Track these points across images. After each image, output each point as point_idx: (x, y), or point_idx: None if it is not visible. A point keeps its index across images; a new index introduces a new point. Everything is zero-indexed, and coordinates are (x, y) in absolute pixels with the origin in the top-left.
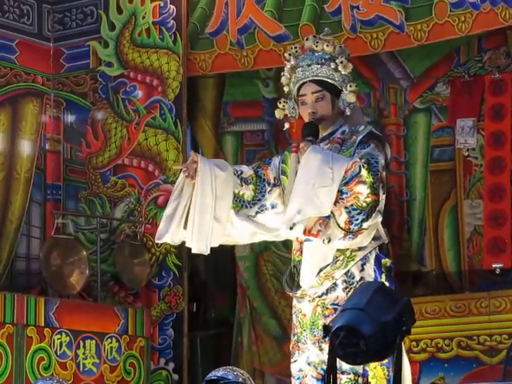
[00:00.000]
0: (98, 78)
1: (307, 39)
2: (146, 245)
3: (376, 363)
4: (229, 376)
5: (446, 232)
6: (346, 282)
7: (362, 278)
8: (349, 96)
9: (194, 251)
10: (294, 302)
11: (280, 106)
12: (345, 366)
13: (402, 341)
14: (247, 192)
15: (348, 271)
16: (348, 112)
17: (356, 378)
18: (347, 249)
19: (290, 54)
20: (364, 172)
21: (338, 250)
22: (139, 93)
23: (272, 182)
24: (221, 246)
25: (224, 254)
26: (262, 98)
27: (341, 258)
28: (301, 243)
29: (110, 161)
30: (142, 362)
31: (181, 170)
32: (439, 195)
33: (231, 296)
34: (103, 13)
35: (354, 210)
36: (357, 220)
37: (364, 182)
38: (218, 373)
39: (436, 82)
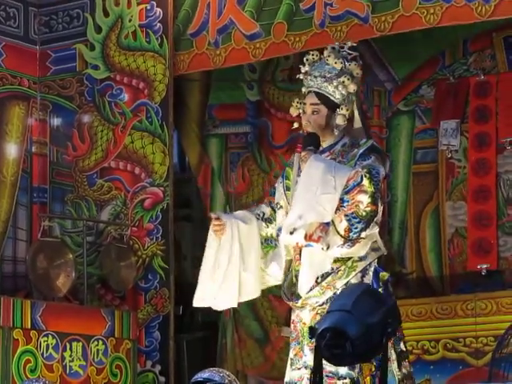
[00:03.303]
0: (85, 81)
1: (326, 48)
2: (133, 248)
3: (368, 372)
4: (215, 377)
5: (427, 234)
6: None
7: None
8: (339, 117)
9: (219, 309)
10: (296, 311)
11: (294, 104)
12: (341, 370)
13: (387, 342)
14: (273, 230)
15: (348, 281)
16: (336, 132)
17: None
18: (349, 259)
19: (306, 59)
20: (366, 182)
21: (339, 260)
22: (125, 96)
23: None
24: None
25: None
26: (246, 101)
27: (342, 268)
28: (300, 251)
29: (97, 164)
30: (129, 365)
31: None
32: (421, 197)
33: None
34: (89, 16)
35: (354, 218)
36: (356, 228)
37: (365, 192)
38: (204, 374)
39: (420, 85)
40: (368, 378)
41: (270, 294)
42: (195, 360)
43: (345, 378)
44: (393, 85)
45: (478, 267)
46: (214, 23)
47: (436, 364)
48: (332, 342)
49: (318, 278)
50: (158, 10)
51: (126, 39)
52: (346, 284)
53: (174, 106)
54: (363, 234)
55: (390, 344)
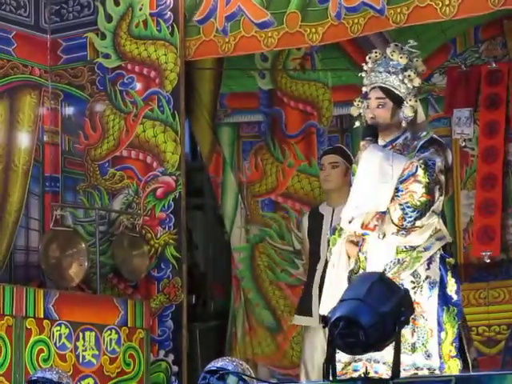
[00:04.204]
0: (96, 70)
1: (389, 46)
2: (145, 237)
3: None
4: (229, 366)
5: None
6: (412, 282)
7: (427, 277)
8: (407, 109)
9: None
10: None
11: (355, 103)
12: (419, 362)
13: (400, 331)
14: None
15: (414, 272)
16: (404, 124)
17: None
18: (413, 250)
19: (369, 57)
20: (420, 172)
21: (403, 251)
22: (137, 85)
23: None
24: (219, 238)
25: (223, 246)
26: (259, 90)
27: (407, 259)
28: (362, 240)
29: (108, 153)
30: (142, 354)
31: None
32: None
33: (229, 288)
34: (100, 4)
35: (408, 207)
36: (410, 217)
37: (419, 182)
38: (218, 363)
39: (432, 73)
40: (451, 360)
41: (281, 282)
42: (208, 349)
43: (422, 369)
44: None
45: (482, 254)
46: (222, 10)
47: None
48: (345, 331)
49: (384, 269)
50: None
51: (136, 28)
52: (411, 274)
53: (186, 94)
54: (418, 223)
55: None
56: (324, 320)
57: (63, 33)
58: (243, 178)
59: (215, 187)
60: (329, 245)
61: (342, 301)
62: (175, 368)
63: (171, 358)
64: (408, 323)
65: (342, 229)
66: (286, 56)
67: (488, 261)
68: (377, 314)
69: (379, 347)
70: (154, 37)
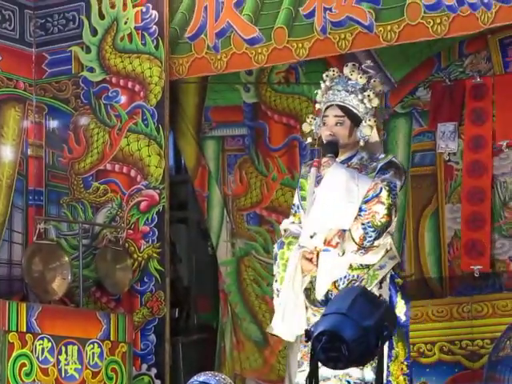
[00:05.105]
0: (80, 84)
1: (346, 65)
2: (128, 250)
3: (399, 372)
4: (211, 381)
5: (426, 237)
6: None
7: (380, 296)
8: (365, 128)
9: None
10: (309, 315)
11: (308, 120)
12: (368, 376)
13: (383, 346)
14: None
15: (370, 289)
16: (361, 143)
17: None
18: (369, 268)
19: (327, 76)
20: (384, 193)
21: (359, 268)
22: (121, 98)
23: None
24: (202, 252)
25: (206, 260)
26: (243, 103)
27: (365, 276)
28: (316, 256)
29: (92, 166)
30: (124, 368)
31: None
32: (420, 200)
33: (213, 301)
34: (85, 18)
35: (370, 227)
36: (370, 237)
37: (383, 203)
38: (200, 378)
39: (417, 87)
40: (401, 377)
41: (267, 295)
42: (191, 363)
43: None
44: (389, 87)
45: (471, 268)
46: (211, 27)
47: (432, 367)
48: (328, 345)
49: (338, 284)
50: (154, 12)
51: (121, 42)
52: None
53: (170, 108)
54: (376, 243)
55: None
56: (307, 334)
57: (48, 46)
58: (228, 191)
59: (201, 201)
60: (276, 259)
61: (324, 315)
62: (158, 382)
63: (154, 371)
64: (391, 338)
65: (291, 242)
66: (270, 70)
67: (477, 275)
68: (360, 328)
69: (362, 361)
70: (138, 50)
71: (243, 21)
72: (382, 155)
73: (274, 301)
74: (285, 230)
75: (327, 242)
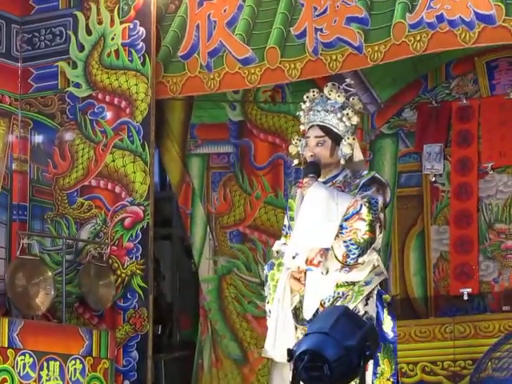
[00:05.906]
0: (66, 99)
1: (326, 86)
2: (112, 266)
3: None
4: None
5: (411, 257)
6: None
7: (366, 312)
8: (345, 147)
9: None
10: (299, 334)
11: (293, 142)
12: None
13: (365, 365)
14: None
15: (356, 306)
16: (342, 161)
17: None
18: (354, 284)
19: (307, 97)
20: (364, 210)
21: (345, 285)
22: (107, 114)
23: None
24: (186, 269)
25: (190, 277)
26: (229, 121)
27: (350, 292)
28: (304, 275)
29: (77, 182)
30: None
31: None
32: (406, 221)
33: (196, 319)
34: (72, 33)
35: (352, 244)
36: (354, 254)
37: (363, 220)
38: None
39: (403, 108)
40: None
41: (248, 313)
42: (173, 380)
43: None
44: (376, 107)
45: (460, 291)
46: (204, 46)
47: None
48: (310, 365)
49: (324, 302)
50: (141, 29)
51: (108, 58)
52: (354, 309)
53: (156, 124)
54: (360, 260)
55: None
56: (289, 353)
57: (34, 61)
58: (212, 209)
59: (184, 218)
60: (267, 280)
61: (307, 334)
62: None
63: None
64: (373, 358)
65: (280, 264)
66: (256, 88)
67: (466, 298)
68: (342, 347)
69: (344, 381)
70: (125, 67)
71: (236, 40)
72: (366, 172)
73: (267, 322)
74: (277, 252)
75: (309, 262)
